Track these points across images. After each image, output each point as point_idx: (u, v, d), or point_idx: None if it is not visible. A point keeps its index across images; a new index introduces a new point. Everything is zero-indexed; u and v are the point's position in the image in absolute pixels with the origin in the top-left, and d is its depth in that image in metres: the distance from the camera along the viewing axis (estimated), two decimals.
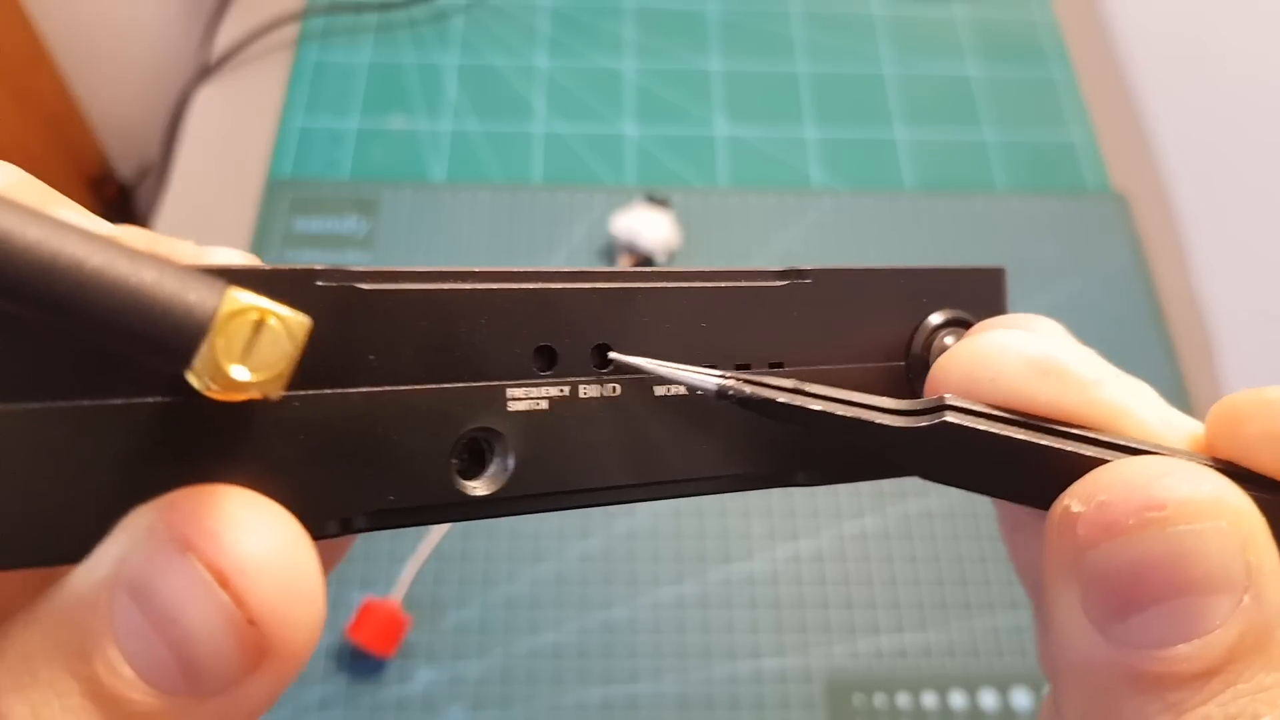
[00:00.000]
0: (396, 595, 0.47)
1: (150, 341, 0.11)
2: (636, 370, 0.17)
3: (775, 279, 0.18)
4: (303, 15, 0.68)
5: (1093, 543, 0.14)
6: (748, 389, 0.16)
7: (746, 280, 0.18)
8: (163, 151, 0.67)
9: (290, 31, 0.68)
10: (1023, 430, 0.16)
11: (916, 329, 0.19)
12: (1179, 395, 0.56)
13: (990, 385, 0.16)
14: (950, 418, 0.16)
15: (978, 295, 0.20)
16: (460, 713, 0.45)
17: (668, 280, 0.17)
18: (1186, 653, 0.13)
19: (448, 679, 0.46)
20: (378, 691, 0.45)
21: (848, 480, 0.19)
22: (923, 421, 0.16)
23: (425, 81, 0.67)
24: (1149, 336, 0.59)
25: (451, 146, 0.64)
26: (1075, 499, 0.14)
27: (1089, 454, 0.15)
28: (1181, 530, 0.13)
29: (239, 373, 0.12)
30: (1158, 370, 0.57)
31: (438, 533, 0.49)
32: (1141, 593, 0.13)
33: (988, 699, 0.47)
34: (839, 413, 0.16)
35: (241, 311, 0.12)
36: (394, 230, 0.60)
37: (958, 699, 0.47)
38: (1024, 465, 0.16)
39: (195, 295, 0.12)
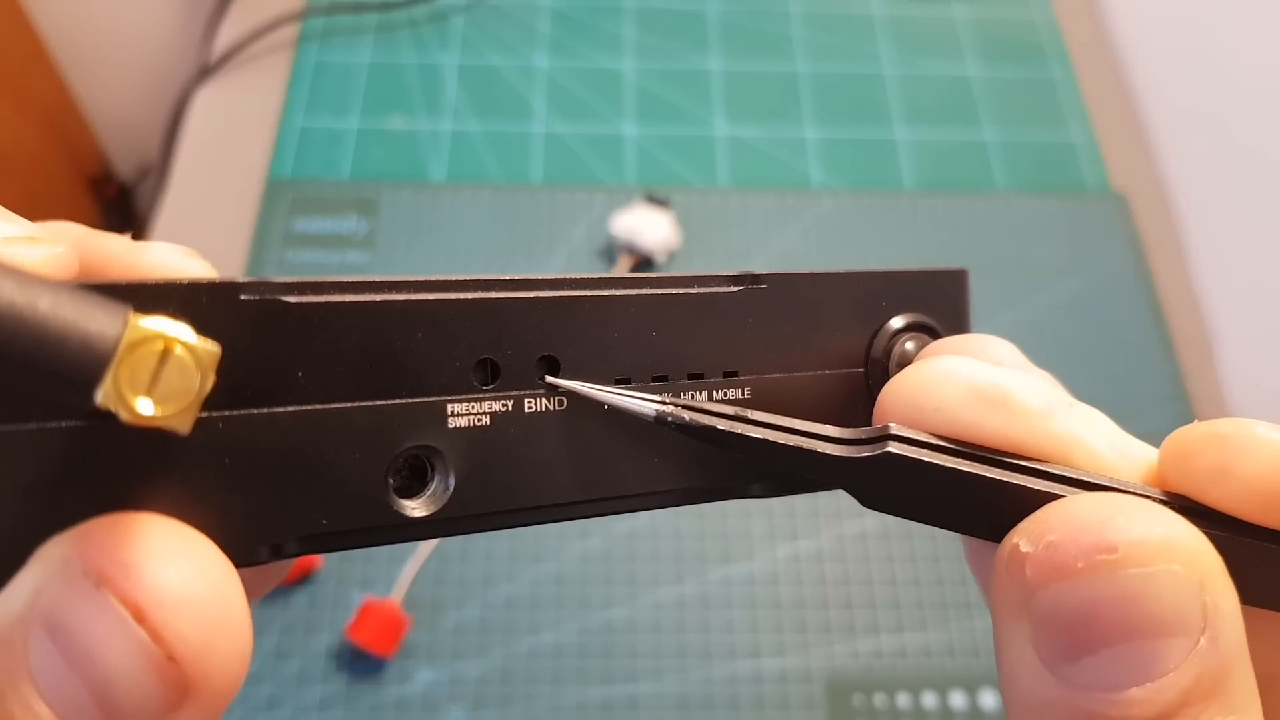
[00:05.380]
0: (396, 595, 0.47)
1: (47, 375, 0.10)
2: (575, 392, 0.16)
3: (728, 285, 0.17)
4: (303, 15, 0.68)
5: (1041, 584, 0.13)
6: (687, 416, 0.16)
7: (698, 287, 0.17)
8: (163, 151, 0.67)
9: (290, 31, 0.68)
10: (969, 462, 0.15)
11: (876, 334, 0.19)
12: (1179, 395, 0.56)
13: (935, 415, 0.16)
14: (893, 448, 0.15)
15: (940, 298, 0.19)
16: (460, 713, 0.45)
17: (615, 288, 0.16)
18: (1140, 696, 0.13)
19: (448, 679, 0.46)
20: (378, 691, 0.45)
21: (804, 491, 0.18)
22: (865, 451, 0.16)
23: (425, 81, 0.67)
24: (1149, 336, 0.59)
25: (451, 146, 0.64)
26: (1024, 538, 0.14)
27: (1038, 488, 0.15)
28: (1133, 574, 0.13)
29: (144, 406, 0.11)
30: (1158, 370, 0.57)
31: None
32: (1093, 635, 0.13)
33: (988, 699, 0.47)
34: (781, 441, 0.16)
35: (145, 340, 0.11)
36: (394, 230, 0.60)
37: (958, 699, 0.47)
38: (972, 498, 0.15)
39: (95, 324, 0.11)
